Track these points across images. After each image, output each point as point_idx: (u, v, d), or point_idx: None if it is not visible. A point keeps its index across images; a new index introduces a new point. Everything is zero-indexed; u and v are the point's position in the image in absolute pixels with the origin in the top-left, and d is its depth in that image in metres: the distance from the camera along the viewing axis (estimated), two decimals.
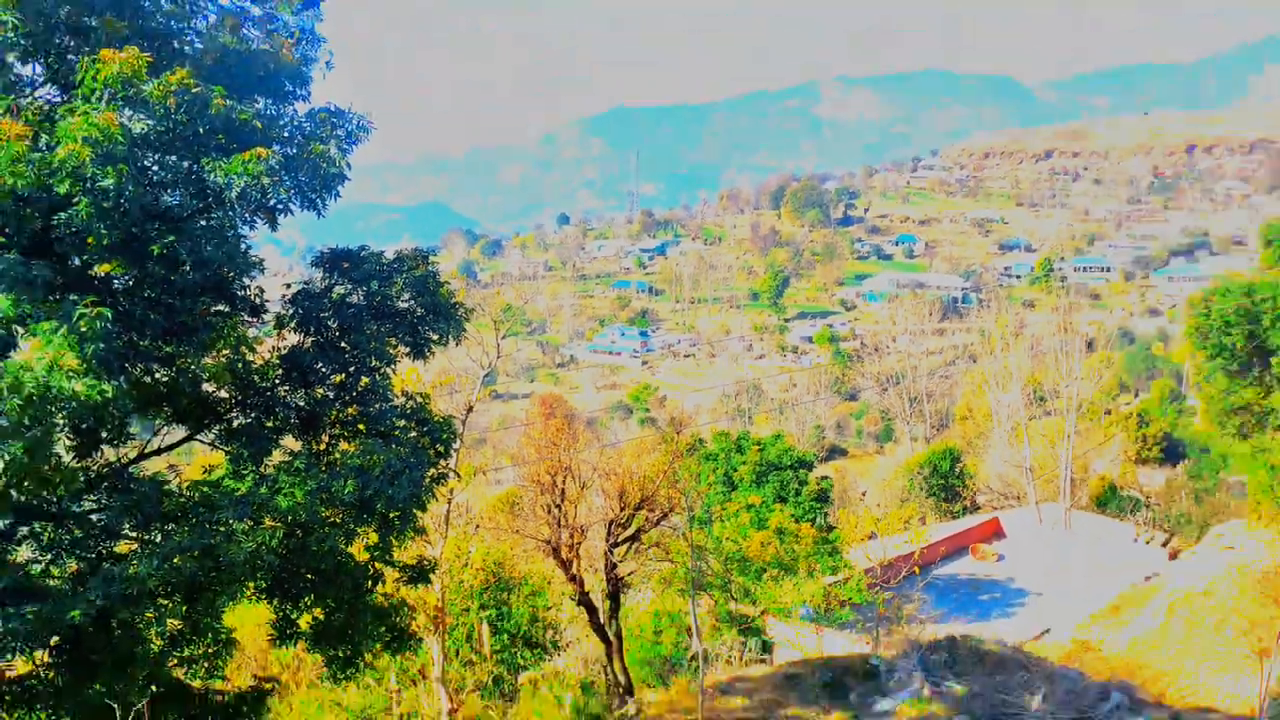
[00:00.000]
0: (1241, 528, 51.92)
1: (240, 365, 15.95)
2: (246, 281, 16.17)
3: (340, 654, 16.56)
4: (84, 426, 13.39)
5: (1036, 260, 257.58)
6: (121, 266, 13.44)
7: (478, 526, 40.06)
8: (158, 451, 16.63)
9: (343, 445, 16.63)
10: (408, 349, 16.84)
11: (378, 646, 17.35)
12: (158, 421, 16.29)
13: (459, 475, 21.34)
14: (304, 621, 16.62)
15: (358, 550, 16.81)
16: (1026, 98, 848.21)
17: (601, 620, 38.14)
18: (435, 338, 16.86)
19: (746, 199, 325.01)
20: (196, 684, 17.02)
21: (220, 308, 15.68)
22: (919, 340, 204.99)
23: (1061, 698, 28.15)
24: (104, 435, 14.54)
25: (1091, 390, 79.89)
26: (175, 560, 12.78)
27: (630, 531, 38.09)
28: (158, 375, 15.12)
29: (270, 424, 16.27)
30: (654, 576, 42.08)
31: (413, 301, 16.60)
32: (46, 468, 13.45)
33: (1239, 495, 65.35)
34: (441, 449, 16.79)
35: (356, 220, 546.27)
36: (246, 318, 16.45)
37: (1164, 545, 62.60)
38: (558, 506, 36.67)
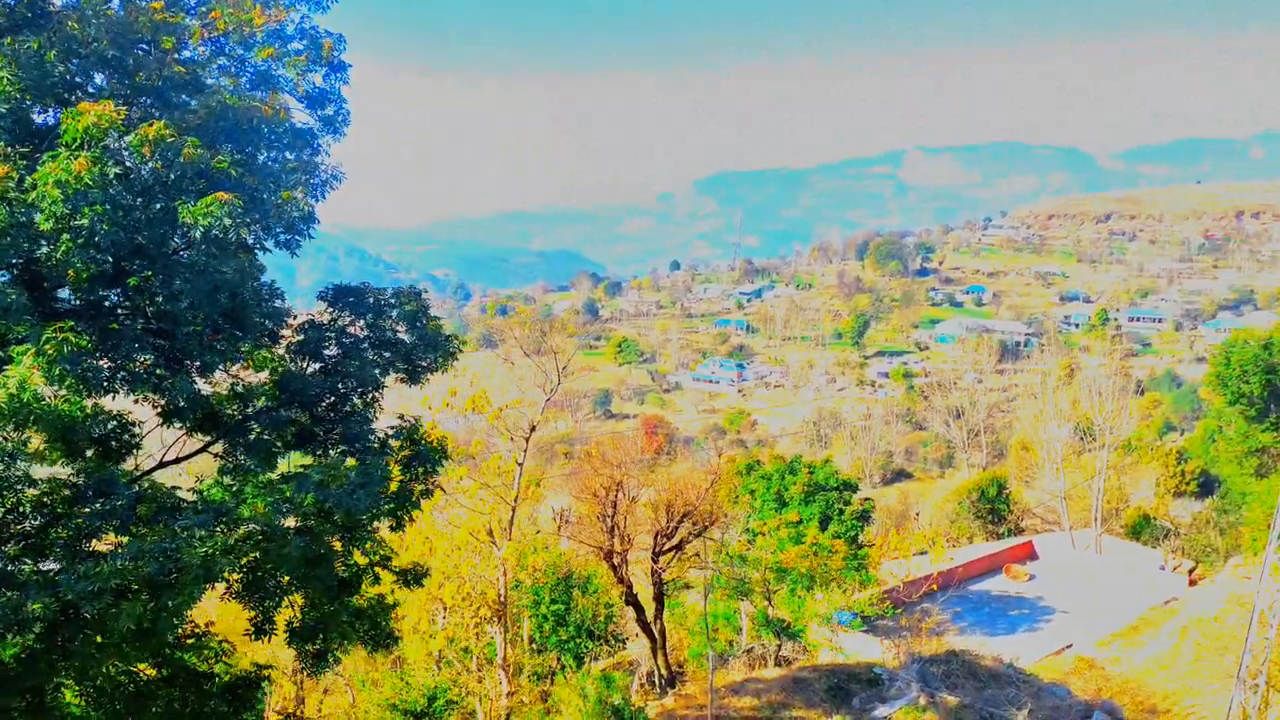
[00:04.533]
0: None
1: (241, 388, 15.41)
2: (269, 310, 15.69)
3: (310, 649, 15.79)
4: (70, 437, 12.83)
5: (1094, 310, 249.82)
6: (145, 296, 13.05)
7: (539, 532, 39.35)
8: (175, 461, 16.20)
9: (349, 461, 15.96)
10: (404, 375, 16.19)
11: (354, 645, 16.57)
12: (174, 433, 15.84)
13: (445, 490, 20.53)
14: (280, 620, 15.86)
15: (354, 555, 16.10)
16: (1091, 167, 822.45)
17: (648, 619, 37.14)
18: (426, 365, 16.18)
19: (835, 251, 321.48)
20: (203, 667, 16.48)
21: (237, 333, 15.16)
22: (983, 379, 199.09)
23: (1046, 713, 26.15)
24: (114, 445, 14.07)
25: (1132, 427, 76.25)
26: (140, 560, 12.17)
27: (675, 541, 37.04)
28: (151, 396, 14.49)
29: (278, 440, 15.68)
30: (699, 581, 40.92)
31: (408, 333, 15.97)
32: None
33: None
34: (429, 467, 15.99)
35: (502, 262, 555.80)
36: (265, 343, 15.88)
37: (1189, 573, 58.79)
38: (610, 517, 35.90)
